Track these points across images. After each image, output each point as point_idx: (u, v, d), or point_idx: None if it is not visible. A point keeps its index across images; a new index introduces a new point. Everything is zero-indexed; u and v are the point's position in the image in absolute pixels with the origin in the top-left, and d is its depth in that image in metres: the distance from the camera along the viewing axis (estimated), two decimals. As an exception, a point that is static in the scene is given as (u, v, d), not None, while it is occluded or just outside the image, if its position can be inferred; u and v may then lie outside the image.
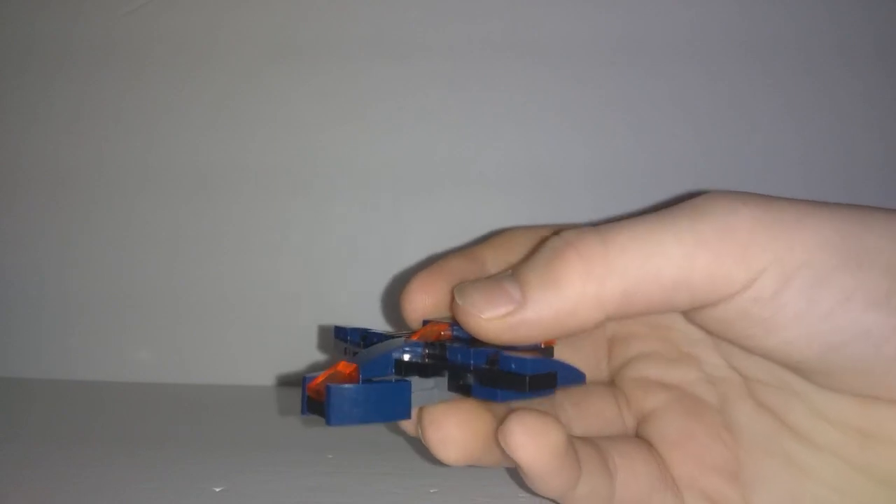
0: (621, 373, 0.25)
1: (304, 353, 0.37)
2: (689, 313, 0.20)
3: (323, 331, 0.36)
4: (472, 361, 0.20)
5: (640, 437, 0.24)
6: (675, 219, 0.19)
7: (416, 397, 0.20)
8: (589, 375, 0.25)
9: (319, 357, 0.37)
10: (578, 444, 0.21)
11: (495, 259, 0.25)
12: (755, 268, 0.18)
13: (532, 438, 0.19)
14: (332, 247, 0.36)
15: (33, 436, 0.30)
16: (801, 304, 0.18)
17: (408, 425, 0.22)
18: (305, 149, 0.36)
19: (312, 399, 0.19)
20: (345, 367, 0.20)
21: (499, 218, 0.35)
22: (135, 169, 0.37)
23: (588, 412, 0.24)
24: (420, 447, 0.29)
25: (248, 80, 0.36)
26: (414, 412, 0.20)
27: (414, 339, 0.21)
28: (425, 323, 0.22)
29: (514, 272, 0.20)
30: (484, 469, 0.26)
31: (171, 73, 0.36)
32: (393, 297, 0.36)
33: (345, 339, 0.24)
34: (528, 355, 0.19)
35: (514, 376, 0.19)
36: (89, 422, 0.32)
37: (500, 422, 0.20)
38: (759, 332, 0.19)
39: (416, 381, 0.20)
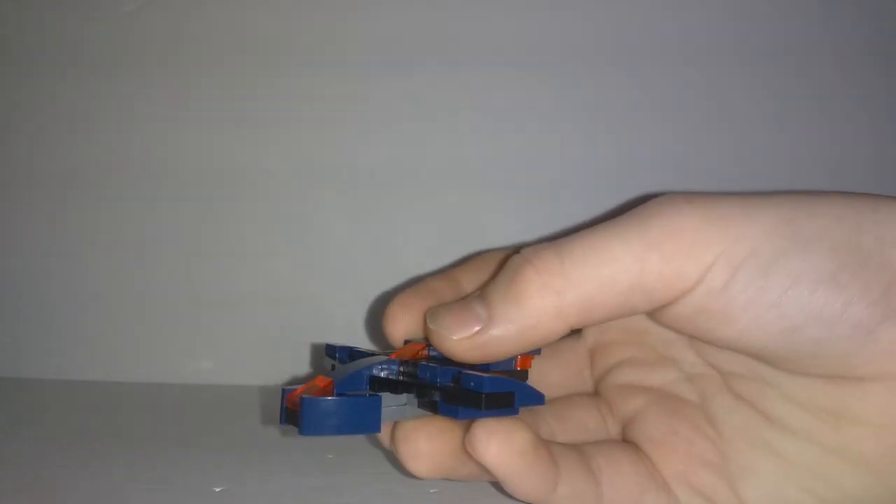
0: (603, 381, 0.26)
1: (305, 353, 0.37)
2: (653, 314, 0.20)
3: (323, 333, 0.37)
4: (438, 380, 0.21)
5: (626, 441, 0.24)
6: (625, 225, 0.19)
7: (387, 412, 0.21)
8: (572, 387, 0.26)
9: (321, 356, 0.37)
10: (556, 448, 0.22)
11: (469, 280, 0.26)
12: (704, 262, 0.18)
13: (495, 440, 0.20)
14: (334, 246, 0.36)
15: (32, 435, 0.30)
16: (751, 292, 0.18)
17: (383, 438, 0.23)
18: (305, 149, 0.36)
19: (289, 409, 0.20)
20: (321, 380, 0.21)
21: (499, 218, 0.35)
22: (131, 172, 0.37)
23: (570, 423, 0.25)
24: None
25: (247, 82, 0.36)
26: (387, 426, 0.21)
27: (392, 357, 0.22)
28: (406, 342, 0.24)
29: (481, 292, 0.21)
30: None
31: (169, 73, 0.36)
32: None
33: (333, 356, 0.25)
34: (490, 374, 0.20)
35: (472, 394, 0.20)
36: (88, 422, 0.32)
37: None
38: (716, 324, 0.19)
39: (387, 397, 0.21)
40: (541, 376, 0.24)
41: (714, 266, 0.18)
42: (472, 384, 0.20)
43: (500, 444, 0.20)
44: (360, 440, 0.29)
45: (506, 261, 0.21)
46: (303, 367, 0.37)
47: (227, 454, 0.28)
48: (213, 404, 0.35)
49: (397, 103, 0.36)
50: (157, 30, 0.36)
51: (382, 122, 0.36)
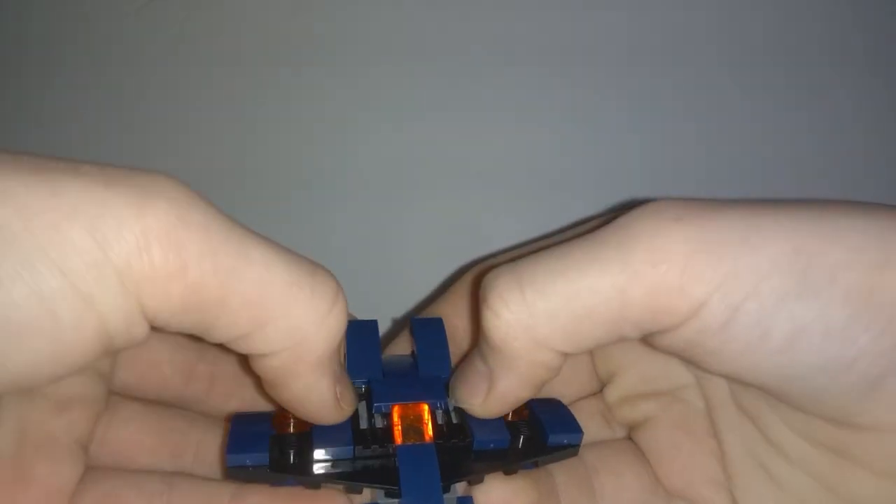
0: (611, 384, 0.24)
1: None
2: (644, 339, 0.18)
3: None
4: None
5: (631, 440, 0.24)
6: (602, 246, 0.17)
7: None
8: (579, 390, 0.25)
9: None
10: (561, 478, 0.21)
11: (456, 315, 0.24)
12: (696, 298, 0.16)
13: None
14: (336, 247, 0.36)
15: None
16: (751, 338, 0.16)
17: None
18: (306, 150, 0.36)
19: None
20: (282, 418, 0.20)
21: (500, 219, 0.35)
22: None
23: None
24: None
25: (245, 81, 0.36)
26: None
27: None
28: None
29: (479, 347, 0.19)
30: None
31: (170, 73, 0.36)
32: (394, 296, 0.36)
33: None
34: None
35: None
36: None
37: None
38: (711, 360, 0.18)
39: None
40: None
41: (708, 304, 0.16)
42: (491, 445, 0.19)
43: None
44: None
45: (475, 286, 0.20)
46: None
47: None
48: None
49: (397, 103, 0.36)
50: (157, 27, 0.36)
51: (381, 122, 0.36)
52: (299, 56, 0.36)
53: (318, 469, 0.19)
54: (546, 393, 0.22)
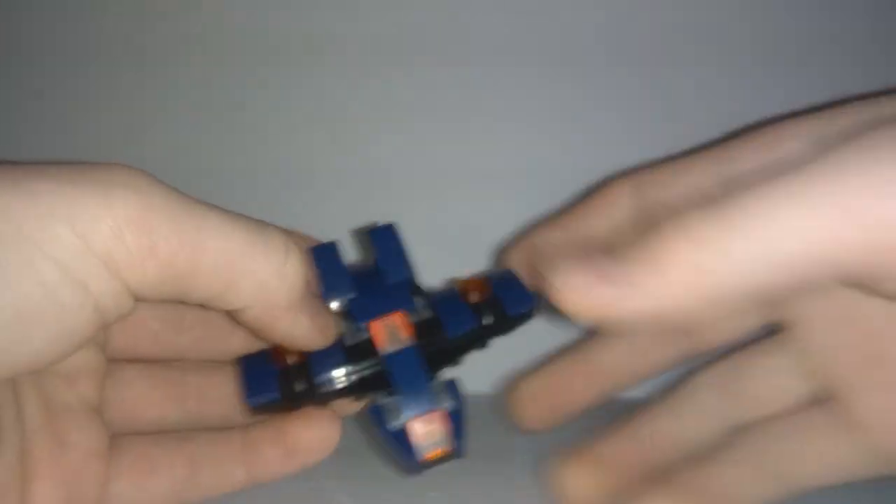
0: (790, 333, 0.21)
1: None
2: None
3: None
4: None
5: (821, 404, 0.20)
6: (811, 178, 0.14)
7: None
8: (738, 332, 0.22)
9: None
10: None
11: (591, 226, 0.23)
12: None
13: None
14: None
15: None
16: None
17: None
18: (306, 151, 0.36)
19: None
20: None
21: (500, 220, 0.35)
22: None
23: (744, 395, 0.21)
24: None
25: (245, 81, 0.36)
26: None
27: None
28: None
29: (621, 251, 0.17)
30: (483, 474, 0.26)
31: (170, 73, 0.36)
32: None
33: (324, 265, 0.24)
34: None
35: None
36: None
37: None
38: None
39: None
40: None
41: None
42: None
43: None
44: (357, 440, 0.29)
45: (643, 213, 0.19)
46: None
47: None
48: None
49: (396, 104, 0.36)
50: (157, 27, 0.36)
51: (380, 121, 0.36)
52: (299, 56, 0.36)
53: (322, 391, 0.22)
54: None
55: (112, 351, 0.22)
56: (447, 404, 0.21)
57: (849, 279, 0.15)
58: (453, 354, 0.23)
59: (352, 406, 0.24)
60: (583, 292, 0.17)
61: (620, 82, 0.35)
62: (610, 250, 0.17)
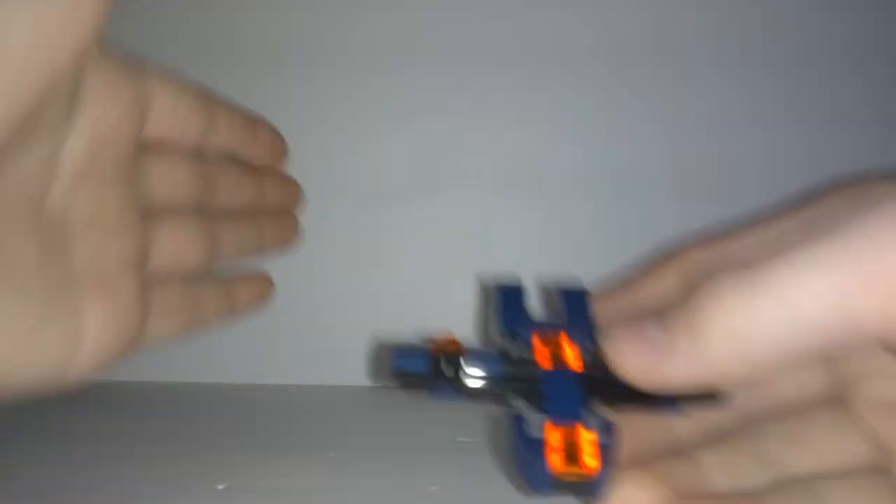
0: (851, 390, 0.20)
1: (310, 354, 0.37)
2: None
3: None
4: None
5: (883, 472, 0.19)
6: (831, 246, 0.15)
7: None
8: (801, 393, 0.22)
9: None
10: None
11: (650, 292, 0.23)
12: None
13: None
14: (339, 250, 0.36)
15: (32, 431, 0.30)
16: None
17: None
18: (308, 150, 0.36)
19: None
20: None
21: (502, 219, 0.35)
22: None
23: (807, 448, 0.20)
24: (421, 445, 0.29)
25: (246, 81, 0.36)
26: None
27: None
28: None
29: (661, 313, 0.18)
30: (484, 467, 0.26)
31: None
32: (394, 299, 0.36)
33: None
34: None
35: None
36: (89, 419, 0.32)
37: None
38: None
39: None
40: None
41: None
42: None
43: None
44: (357, 438, 0.30)
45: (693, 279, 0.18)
46: (308, 368, 0.36)
47: (229, 452, 0.28)
48: (216, 403, 0.35)
49: (395, 104, 0.36)
50: (156, 29, 0.36)
51: (380, 122, 0.36)
52: (300, 57, 0.36)
53: (470, 383, 0.22)
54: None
55: (147, 138, 0.24)
56: (598, 434, 0.20)
57: (878, 343, 0.15)
58: (614, 395, 0.21)
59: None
60: (630, 358, 0.18)
61: (620, 83, 0.35)
62: (660, 315, 0.18)
